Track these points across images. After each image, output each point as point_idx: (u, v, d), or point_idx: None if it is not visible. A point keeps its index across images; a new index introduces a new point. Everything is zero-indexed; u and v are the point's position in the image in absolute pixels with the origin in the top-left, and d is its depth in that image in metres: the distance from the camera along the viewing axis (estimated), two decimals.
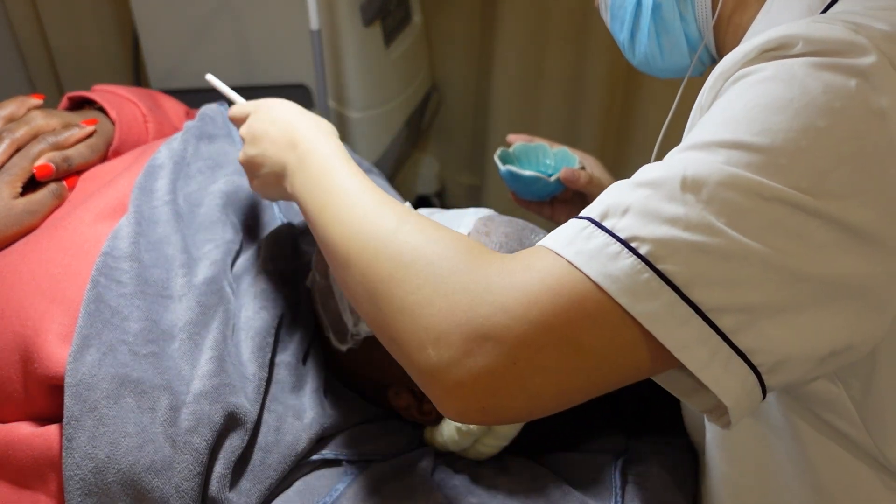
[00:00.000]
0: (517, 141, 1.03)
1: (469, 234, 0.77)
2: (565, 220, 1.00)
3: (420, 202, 1.98)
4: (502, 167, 0.96)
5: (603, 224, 0.51)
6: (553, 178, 0.95)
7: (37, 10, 1.62)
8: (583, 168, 0.98)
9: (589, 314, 0.49)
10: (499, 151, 1.00)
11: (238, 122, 0.80)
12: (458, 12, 1.76)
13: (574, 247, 0.51)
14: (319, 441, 0.75)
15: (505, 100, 1.77)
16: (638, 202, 0.51)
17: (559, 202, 1.01)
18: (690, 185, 0.50)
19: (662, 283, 0.49)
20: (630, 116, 1.72)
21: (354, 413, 0.79)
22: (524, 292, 0.50)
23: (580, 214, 0.53)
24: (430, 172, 1.99)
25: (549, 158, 1.02)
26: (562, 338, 0.49)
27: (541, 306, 0.49)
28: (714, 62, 0.76)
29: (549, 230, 0.86)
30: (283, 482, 0.71)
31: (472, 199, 2.00)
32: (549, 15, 1.64)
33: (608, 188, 0.55)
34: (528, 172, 0.95)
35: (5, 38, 1.64)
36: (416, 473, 0.75)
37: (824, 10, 0.60)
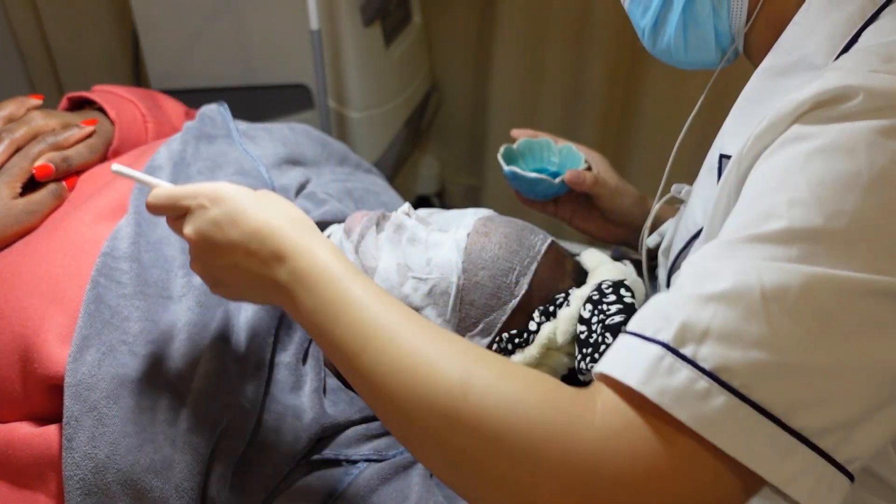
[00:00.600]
0: (521, 137, 1.01)
1: (469, 234, 0.77)
2: (569, 219, 0.99)
3: (420, 202, 1.98)
4: (506, 167, 0.94)
5: (682, 352, 0.47)
6: (558, 180, 0.92)
7: (37, 10, 1.62)
8: (588, 168, 0.96)
9: (694, 464, 0.46)
10: (502, 150, 0.98)
11: (161, 211, 0.65)
12: (458, 12, 1.76)
13: (657, 384, 0.47)
14: (319, 441, 0.75)
15: (504, 100, 1.78)
16: (717, 324, 0.47)
17: (563, 200, 0.99)
18: (772, 297, 0.47)
19: (760, 416, 0.46)
20: (630, 116, 1.72)
21: (354, 413, 0.79)
22: (637, 460, 0.46)
23: (648, 334, 0.49)
24: (430, 172, 1.99)
25: (554, 155, 1.00)
26: (679, 499, 0.46)
27: (658, 474, 0.46)
28: (737, 56, 0.74)
29: (549, 231, 0.86)
30: (283, 482, 0.72)
31: (471, 199, 2.01)
32: (549, 15, 1.64)
33: (669, 296, 0.51)
34: (531, 174, 0.93)
35: (5, 38, 1.64)
36: (416, 474, 0.75)
37: (865, 25, 0.58)
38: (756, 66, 0.69)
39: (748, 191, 0.54)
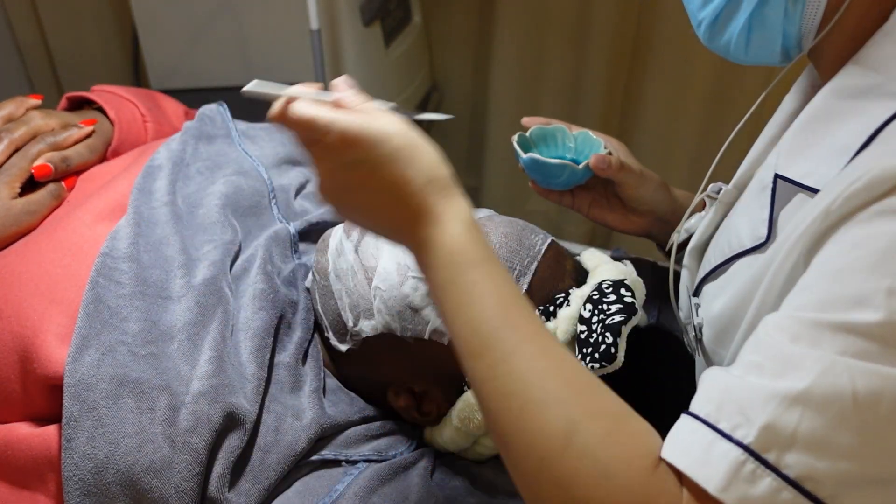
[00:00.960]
0: (533, 125, 0.93)
1: None
2: (587, 210, 0.93)
3: None
4: (524, 154, 0.87)
5: (765, 458, 0.46)
6: (581, 166, 0.85)
7: (37, 10, 1.62)
8: (609, 153, 0.88)
9: None
10: (516, 137, 0.90)
11: (290, 128, 0.58)
12: (458, 12, 1.76)
13: (738, 491, 0.46)
14: (319, 441, 0.75)
15: (504, 100, 1.78)
16: (804, 430, 0.45)
17: (580, 189, 0.92)
18: (865, 405, 0.45)
19: None
20: (630, 116, 1.72)
21: (354, 413, 0.79)
22: None
23: (724, 429, 0.48)
24: None
25: (570, 142, 0.92)
26: None
27: None
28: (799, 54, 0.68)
29: (549, 231, 0.86)
30: (283, 483, 0.71)
31: (471, 199, 2.00)
32: (549, 15, 1.64)
33: (743, 380, 0.50)
34: (554, 160, 0.85)
35: (5, 39, 1.64)
36: (416, 474, 0.75)
37: None
38: (821, 71, 0.65)
39: (834, 257, 0.51)
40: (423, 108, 1.77)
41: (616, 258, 0.85)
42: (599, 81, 1.67)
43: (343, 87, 0.59)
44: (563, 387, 0.52)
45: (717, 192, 0.79)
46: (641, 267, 0.88)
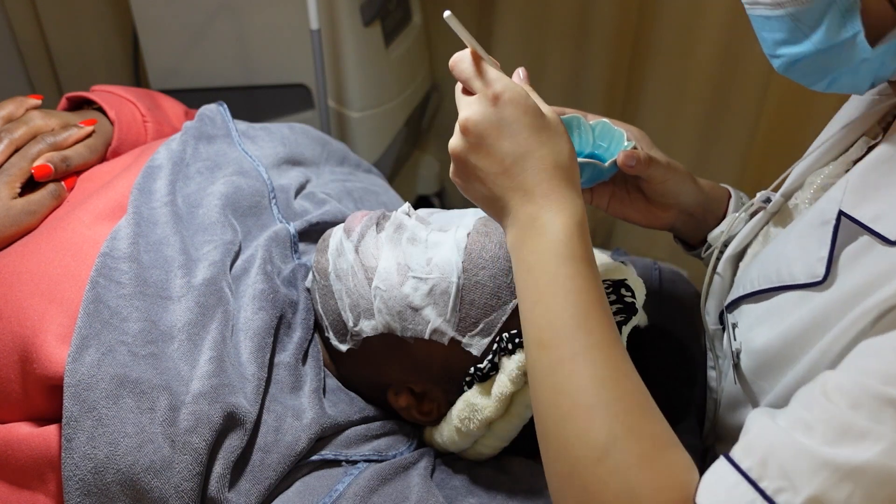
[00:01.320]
0: None
1: (469, 233, 0.77)
2: (607, 206, 0.88)
3: (420, 202, 1.98)
4: None
5: None
6: (608, 163, 0.77)
7: (37, 10, 1.62)
8: (634, 146, 0.81)
9: None
10: None
11: (458, 77, 0.64)
12: (458, 12, 1.76)
13: None
14: (319, 441, 0.75)
15: None
16: None
17: (600, 185, 0.85)
18: None
19: None
20: (631, 116, 1.72)
21: (354, 413, 0.79)
22: None
23: (766, 489, 0.47)
24: (430, 172, 1.99)
25: (588, 134, 0.84)
26: None
27: None
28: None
29: None
30: (283, 483, 0.71)
31: None
32: (549, 15, 1.64)
33: (794, 438, 0.49)
34: (580, 159, 0.75)
35: (5, 39, 1.64)
36: (416, 474, 0.75)
37: None
38: None
39: None
40: (423, 107, 1.76)
41: (616, 258, 0.85)
42: (599, 81, 1.67)
43: (518, 75, 0.67)
44: (615, 401, 0.52)
45: (765, 202, 0.77)
46: (641, 267, 0.89)
